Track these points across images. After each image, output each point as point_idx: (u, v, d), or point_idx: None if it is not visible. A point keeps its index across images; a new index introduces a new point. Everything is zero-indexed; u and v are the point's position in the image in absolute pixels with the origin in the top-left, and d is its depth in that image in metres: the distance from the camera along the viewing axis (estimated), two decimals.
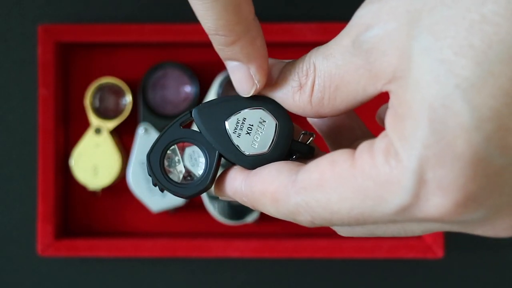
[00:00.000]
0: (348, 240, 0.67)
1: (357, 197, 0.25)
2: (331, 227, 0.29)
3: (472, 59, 0.23)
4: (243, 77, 0.30)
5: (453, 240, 0.70)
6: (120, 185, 0.72)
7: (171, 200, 0.69)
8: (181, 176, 0.32)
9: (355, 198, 0.25)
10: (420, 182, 0.24)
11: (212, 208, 0.70)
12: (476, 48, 0.23)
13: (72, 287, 0.73)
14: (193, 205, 0.72)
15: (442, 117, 0.23)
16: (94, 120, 0.70)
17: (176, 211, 0.72)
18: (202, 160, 0.32)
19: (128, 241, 0.69)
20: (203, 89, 0.71)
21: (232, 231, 0.72)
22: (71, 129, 0.73)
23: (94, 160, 0.70)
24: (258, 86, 0.30)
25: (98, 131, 0.70)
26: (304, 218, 0.27)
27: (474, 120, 0.22)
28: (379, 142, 0.25)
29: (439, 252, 0.67)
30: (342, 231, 0.30)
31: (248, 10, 0.28)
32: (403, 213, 0.25)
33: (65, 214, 0.73)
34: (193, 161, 0.32)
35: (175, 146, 0.32)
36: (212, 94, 0.70)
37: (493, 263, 0.72)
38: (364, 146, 0.26)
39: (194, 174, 0.32)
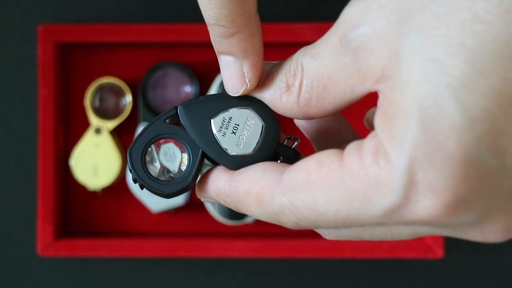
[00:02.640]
0: (348, 240, 0.67)
1: (345, 198, 0.25)
2: (315, 229, 0.29)
3: (463, 58, 0.22)
4: (235, 74, 0.29)
5: (453, 240, 0.70)
6: (120, 185, 0.72)
7: (171, 200, 0.69)
8: (157, 172, 0.31)
9: (342, 199, 0.25)
10: (410, 183, 0.23)
11: (212, 208, 0.70)
12: (467, 47, 0.22)
13: (72, 287, 0.73)
14: (193, 205, 0.72)
15: (432, 117, 0.22)
16: (94, 120, 0.70)
17: (176, 211, 0.72)
18: (182, 157, 0.31)
19: (128, 241, 0.69)
20: (203, 89, 0.71)
21: (232, 231, 0.72)
22: (71, 129, 0.73)
23: (94, 160, 0.70)
24: (248, 86, 0.29)
25: (98, 131, 0.70)
26: (288, 220, 0.27)
27: (465, 121, 0.22)
28: (368, 142, 0.24)
29: (439, 252, 0.67)
30: (327, 234, 0.29)
31: (252, 3, 0.28)
32: (392, 215, 0.24)
33: (65, 214, 0.73)
34: (168, 157, 0.31)
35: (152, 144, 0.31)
36: None
37: (493, 263, 0.72)
38: (352, 147, 0.25)
39: (172, 172, 0.31)
